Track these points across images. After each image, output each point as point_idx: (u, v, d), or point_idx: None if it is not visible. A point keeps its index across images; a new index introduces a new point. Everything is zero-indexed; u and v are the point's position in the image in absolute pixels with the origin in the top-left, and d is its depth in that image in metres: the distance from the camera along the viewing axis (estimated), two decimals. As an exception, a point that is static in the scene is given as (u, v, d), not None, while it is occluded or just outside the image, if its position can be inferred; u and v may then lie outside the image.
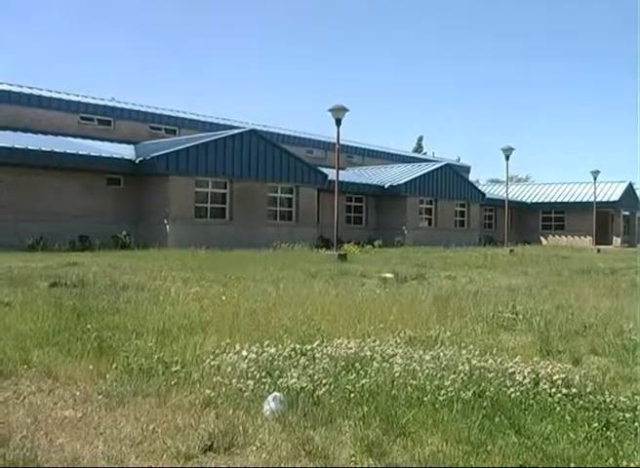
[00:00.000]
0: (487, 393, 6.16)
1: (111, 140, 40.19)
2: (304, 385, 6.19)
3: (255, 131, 38.79)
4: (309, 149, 53.82)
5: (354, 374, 6.59)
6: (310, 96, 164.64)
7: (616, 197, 63.14)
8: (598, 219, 57.15)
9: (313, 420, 5.51)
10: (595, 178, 55.27)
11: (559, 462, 4.84)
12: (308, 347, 7.65)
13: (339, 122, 29.64)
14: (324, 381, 6.30)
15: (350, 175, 48.18)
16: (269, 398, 5.80)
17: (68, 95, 42.24)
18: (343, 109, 29.78)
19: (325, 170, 40.24)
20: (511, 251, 36.79)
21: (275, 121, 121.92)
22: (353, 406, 5.81)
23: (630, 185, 67.57)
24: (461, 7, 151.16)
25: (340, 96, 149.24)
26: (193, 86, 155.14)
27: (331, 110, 29.80)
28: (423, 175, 49.10)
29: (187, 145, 34.37)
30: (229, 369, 6.73)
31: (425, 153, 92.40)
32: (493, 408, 5.86)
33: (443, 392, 6.08)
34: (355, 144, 59.30)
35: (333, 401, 5.89)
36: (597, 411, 5.92)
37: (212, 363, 6.97)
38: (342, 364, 7.01)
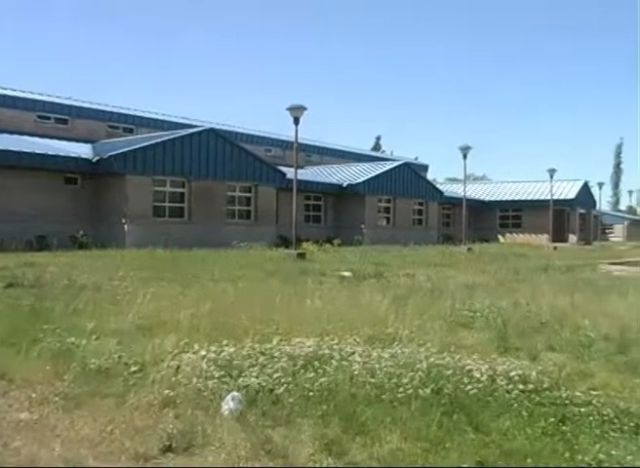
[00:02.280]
0: (445, 390, 6.22)
1: (69, 139, 39.62)
2: (263, 384, 6.19)
3: (213, 130, 38.56)
4: (268, 148, 53.59)
5: (313, 373, 6.61)
6: (269, 94, 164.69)
7: (572, 195, 63.80)
8: (555, 217, 57.71)
9: (272, 419, 5.52)
10: (552, 177, 55.84)
11: (516, 458, 4.91)
12: (267, 346, 7.64)
13: (297, 121, 29.61)
14: (283, 380, 6.31)
15: (309, 173, 48.08)
16: (228, 397, 5.79)
17: (24, 92, 41.63)
18: (302, 108, 29.75)
19: (284, 168, 40.11)
20: (469, 249, 37.01)
21: (234, 120, 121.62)
22: (312, 404, 5.83)
23: (586, 184, 68.36)
24: (420, 7, 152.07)
25: (298, 94, 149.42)
26: (153, 85, 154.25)
27: (289, 109, 29.76)
28: (382, 173, 49.17)
29: (145, 144, 34.04)
30: (188, 368, 6.70)
31: (384, 152, 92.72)
32: (451, 405, 5.92)
33: (401, 390, 6.13)
34: (314, 143, 59.16)
35: (292, 400, 5.91)
36: (553, 407, 6.03)
37: (171, 363, 6.92)
38: (301, 362, 7.00)
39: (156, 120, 48.08)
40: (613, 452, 4.98)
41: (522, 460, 4.87)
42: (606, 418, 5.75)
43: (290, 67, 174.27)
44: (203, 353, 7.16)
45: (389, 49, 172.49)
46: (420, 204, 53.34)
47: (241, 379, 6.35)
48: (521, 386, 6.46)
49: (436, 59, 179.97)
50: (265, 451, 4.90)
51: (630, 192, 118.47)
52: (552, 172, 55.35)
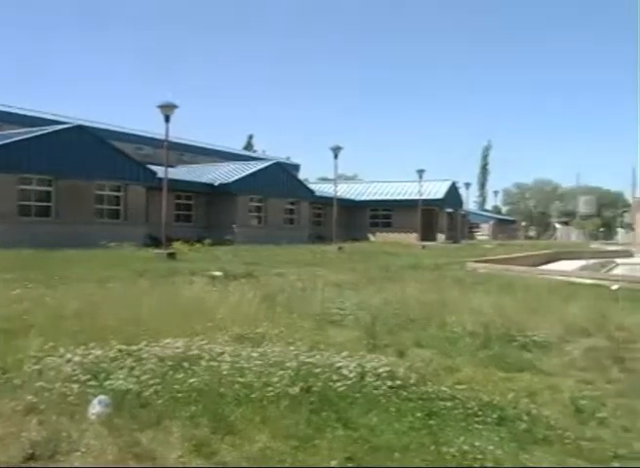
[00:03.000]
0: (314, 388, 6.27)
1: None
2: (131, 387, 6.09)
3: (81, 127, 37.71)
4: (139, 146, 52.59)
5: (182, 374, 6.56)
6: (141, 92, 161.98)
7: (440, 195, 65.40)
8: (423, 217, 59.08)
9: (141, 422, 5.43)
10: (421, 177, 57.18)
11: (384, 452, 4.99)
12: (135, 348, 7.53)
13: (167, 119, 29.32)
14: (151, 382, 6.22)
15: (180, 172, 47.61)
16: (95, 401, 5.66)
17: None
18: (173, 106, 29.47)
19: (155, 167, 39.49)
20: (340, 248, 37.39)
21: (104, 117, 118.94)
22: (181, 405, 5.77)
23: (453, 184, 70.22)
24: (291, 10, 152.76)
25: (170, 92, 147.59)
26: (20, 79, 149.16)
27: (160, 107, 29.42)
28: (253, 173, 49.17)
29: (9, 141, 32.99)
30: (53, 373, 6.52)
31: (256, 151, 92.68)
32: (320, 402, 5.96)
33: (271, 388, 6.14)
34: (186, 142, 58.57)
35: (160, 401, 5.83)
36: (420, 402, 6.16)
37: (34, 367, 6.73)
38: (170, 363, 6.94)
39: (23, 116, 46.56)
40: (476, 443, 5.13)
41: (390, 455, 4.95)
42: (470, 411, 5.92)
43: (165, 64, 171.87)
44: (69, 356, 7.00)
45: (261, 46, 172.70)
46: (292, 203, 53.57)
47: (108, 382, 6.23)
48: (389, 382, 6.57)
49: (307, 58, 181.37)
50: (133, 455, 4.82)
51: (496, 192, 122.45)
52: (421, 172, 56.75)
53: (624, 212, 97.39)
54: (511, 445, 5.26)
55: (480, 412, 5.89)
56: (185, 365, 6.88)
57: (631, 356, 8.92)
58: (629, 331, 10.77)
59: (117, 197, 38.56)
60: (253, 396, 6.01)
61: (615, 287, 18.77)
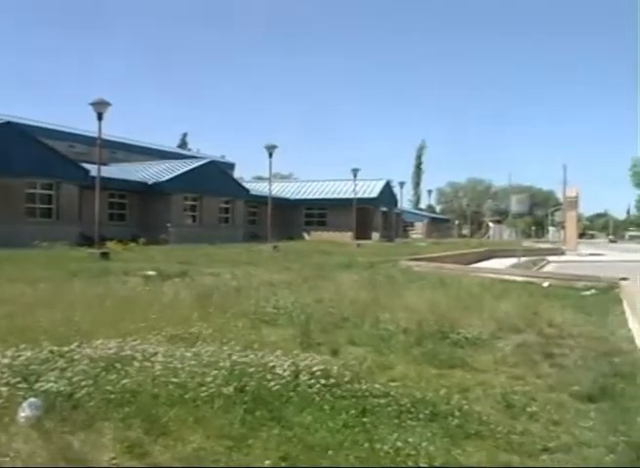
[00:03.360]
0: (248, 388, 6.25)
1: None
2: (63, 389, 5.99)
3: (10, 123, 37.02)
4: (71, 144, 51.76)
5: (115, 375, 6.47)
6: (75, 88, 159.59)
7: (374, 194, 65.92)
8: (358, 215, 59.42)
9: (72, 425, 5.35)
10: (355, 176, 57.48)
11: (318, 451, 5.00)
12: (67, 349, 7.41)
13: (100, 116, 28.98)
14: (83, 383, 6.13)
15: (114, 170, 47.02)
16: (25, 404, 5.56)
17: None
18: (105, 103, 29.17)
19: (88, 165, 38.96)
20: (275, 246, 37.36)
21: (36, 114, 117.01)
22: (114, 407, 5.71)
23: (388, 183, 70.80)
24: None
25: (104, 91, 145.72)
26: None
27: (92, 104, 29.08)
28: (188, 171, 48.92)
29: None
30: (-20, 376, 6.39)
31: (190, 150, 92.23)
32: (254, 402, 5.95)
33: (205, 389, 6.11)
34: (119, 140, 57.94)
35: (93, 403, 5.75)
36: (354, 399, 6.19)
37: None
38: (103, 365, 6.84)
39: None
40: (409, 440, 5.17)
41: (324, 453, 4.97)
42: (404, 408, 5.97)
43: (91, 61, 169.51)
44: (-3, 358, 6.86)
45: (195, 42, 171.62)
46: (227, 202, 53.45)
47: (39, 384, 6.11)
48: (323, 381, 6.59)
49: (242, 55, 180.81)
50: (64, 458, 4.75)
51: (430, 191, 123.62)
52: (356, 171, 57.07)
53: (556, 210, 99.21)
54: (444, 440, 5.32)
55: (413, 409, 5.95)
56: (118, 366, 6.80)
57: (561, 351, 9.10)
58: (559, 327, 10.99)
59: (49, 196, 38.00)
60: (186, 396, 5.97)
61: (546, 284, 19.14)
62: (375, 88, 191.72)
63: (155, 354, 7.33)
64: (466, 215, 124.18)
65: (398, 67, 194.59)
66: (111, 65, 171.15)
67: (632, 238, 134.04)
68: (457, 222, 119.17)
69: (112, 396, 5.92)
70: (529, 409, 6.25)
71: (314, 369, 6.95)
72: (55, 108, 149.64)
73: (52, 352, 7.27)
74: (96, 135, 30.14)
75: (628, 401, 6.60)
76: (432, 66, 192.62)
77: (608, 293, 16.95)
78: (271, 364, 7.03)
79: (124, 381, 6.25)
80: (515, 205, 34.88)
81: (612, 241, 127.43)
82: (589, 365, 8.26)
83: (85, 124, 55.81)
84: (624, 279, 18.28)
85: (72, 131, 54.11)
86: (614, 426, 5.81)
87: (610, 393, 6.91)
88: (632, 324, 11.22)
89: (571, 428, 5.82)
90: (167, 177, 47.17)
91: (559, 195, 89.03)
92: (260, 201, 56.51)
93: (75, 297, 11.56)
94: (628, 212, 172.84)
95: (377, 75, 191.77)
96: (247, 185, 61.30)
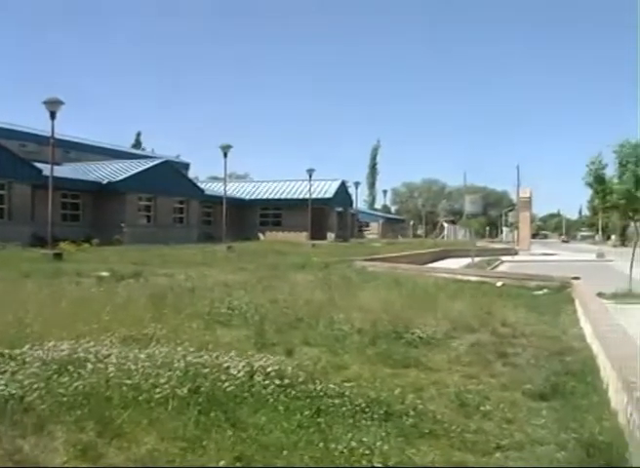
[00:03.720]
0: (202, 389, 6.23)
1: None
2: (14, 392, 5.91)
3: (-44, 121, 36.52)
4: (23, 143, 50.95)
5: (67, 377, 6.40)
6: (27, 88, 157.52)
7: (330, 194, 65.94)
8: (313, 216, 59.38)
9: (23, 429, 5.28)
10: (310, 176, 57.50)
11: (273, 451, 5.01)
12: (18, 351, 7.32)
13: (53, 115, 28.69)
14: (35, 386, 6.05)
15: (67, 170, 46.43)
16: (-27, 408, 5.48)
17: None
18: (59, 102, 28.89)
19: (40, 165, 38.46)
20: (229, 247, 37.20)
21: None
22: (66, 410, 5.65)
23: (343, 183, 70.92)
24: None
25: (54, 89, 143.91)
26: None
27: (45, 102, 28.76)
28: (142, 171, 48.51)
29: None
30: None
31: (145, 149, 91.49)
32: (209, 403, 5.94)
33: (159, 390, 6.07)
34: (73, 139, 57.24)
35: (44, 406, 5.68)
36: (309, 400, 6.20)
37: None
38: (55, 367, 6.76)
39: None
40: (364, 439, 5.20)
41: (278, 453, 4.98)
42: (358, 408, 6.01)
43: (47, 61, 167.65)
44: (-55, 362, 6.75)
45: (149, 43, 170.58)
46: (181, 202, 53.13)
47: (-12, 388, 6.03)
48: (278, 381, 6.59)
49: (197, 57, 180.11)
50: (14, 463, 4.69)
51: (385, 192, 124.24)
52: (311, 171, 57.06)
53: (509, 210, 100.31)
54: (398, 440, 5.36)
55: (367, 409, 5.98)
56: (71, 368, 6.72)
57: (514, 351, 9.21)
58: (512, 326, 11.12)
59: (0, 196, 37.45)
60: (140, 398, 5.93)
61: (499, 283, 19.34)
62: (331, 87, 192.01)
63: (109, 356, 7.26)
64: (421, 216, 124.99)
65: (353, 66, 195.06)
66: (64, 65, 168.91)
67: (584, 238, 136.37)
68: (412, 223, 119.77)
69: (65, 399, 5.86)
70: (482, 408, 6.32)
71: (269, 369, 6.95)
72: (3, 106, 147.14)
73: (2, 355, 7.19)
74: (48, 134, 29.80)
75: (579, 399, 6.70)
76: (387, 67, 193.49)
77: (560, 293, 17.20)
78: (226, 364, 7.02)
79: (77, 383, 6.19)
80: (469, 205, 35.23)
81: (564, 241, 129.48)
82: (542, 363, 8.38)
83: (36, 123, 54.98)
84: (576, 278, 18.55)
85: (24, 129, 53.31)
86: (565, 424, 5.90)
87: (561, 391, 7.02)
88: (584, 323, 11.37)
89: (523, 426, 5.90)
90: (121, 177, 46.71)
91: (513, 196, 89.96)
92: (215, 201, 56.28)
93: (27, 299, 11.41)
94: (580, 212, 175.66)
95: (332, 75, 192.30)
96: (202, 185, 61.02)
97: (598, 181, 18.59)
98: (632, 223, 23.04)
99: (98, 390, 6.10)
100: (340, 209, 70.09)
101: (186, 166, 72.31)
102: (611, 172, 18.69)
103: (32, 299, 11.34)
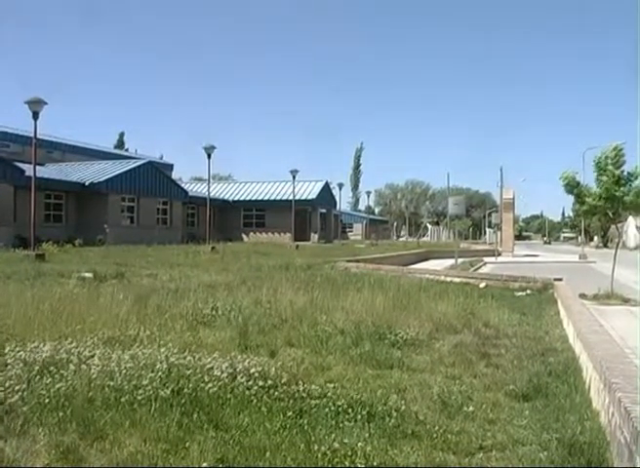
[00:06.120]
0: (185, 390, 6.23)
1: None
2: (-5, 394, 5.90)
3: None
4: (5, 143, 50.77)
5: (50, 379, 6.39)
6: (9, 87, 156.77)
7: (313, 195, 66.00)
8: (297, 217, 59.42)
9: (5, 431, 5.27)
10: (294, 177, 57.47)
11: (255, 452, 5.01)
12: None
13: (36, 115, 28.53)
14: (17, 388, 6.04)
15: (50, 171, 46.26)
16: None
17: None
18: (41, 102, 28.73)
19: (22, 165, 38.29)
20: (213, 248, 37.13)
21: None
22: (48, 411, 5.64)
23: (327, 184, 70.98)
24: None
25: (39, 89, 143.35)
26: None
27: (28, 102, 28.62)
28: (125, 172, 48.37)
29: None
30: None
31: (128, 150, 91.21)
32: (191, 404, 5.94)
33: (141, 391, 6.07)
34: (55, 139, 57.05)
35: (26, 408, 5.67)
36: (292, 401, 6.21)
37: None
38: (37, 368, 6.74)
39: None
40: (347, 440, 5.21)
41: (261, 454, 4.98)
42: (341, 409, 6.01)
43: (28, 60, 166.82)
44: None
45: (132, 42, 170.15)
46: (165, 203, 52.99)
47: (-30, 391, 6.00)
48: (261, 382, 6.59)
49: (182, 57, 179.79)
50: (-5, 465, 4.68)
51: (368, 193, 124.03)
52: (294, 172, 57.02)
53: (492, 212, 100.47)
54: (381, 440, 5.37)
55: (350, 410, 5.98)
56: (53, 369, 6.70)
57: (497, 351, 9.23)
58: (495, 327, 11.15)
59: (-18, 197, 37.28)
60: (123, 399, 5.92)
61: (482, 285, 19.39)
62: (314, 90, 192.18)
63: (91, 357, 7.24)
64: (405, 217, 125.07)
65: (338, 68, 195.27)
66: (46, 65, 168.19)
67: (566, 239, 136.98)
68: (395, 224, 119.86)
69: (47, 400, 5.85)
70: (465, 409, 6.33)
71: (252, 370, 6.95)
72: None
73: (-17, 357, 7.15)
74: (30, 134, 29.64)
75: (561, 399, 6.73)
76: (369, 64, 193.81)
77: (543, 294, 17.29)
78: (209, 365, 7.01)
79: (59, 385, 6.17)
80: (452, 207, 35.17)
81: (546, 242, 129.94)
82: (524, 364, 8.40)
83: (19, 123, 54.78)
84: (559, 279, 18.63)
85: (6, 129, 53.05)
86: (547, 424, 5.93)
87: (544, 392, 7.05)
88: (566, 324, 11.42)
89: (506, 427, 5.91)
90: (104, 178, 46.53)
91: (496, 197, 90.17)
92: (199, 202, 56.22)
93: (9, 300, 11.34)
94: (563, 213, 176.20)
95: (316, 75, 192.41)
96: (185, 186, 60.94)
97: (572, 188, 18.56)
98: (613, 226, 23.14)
99: (80, 392, 6.09)
100: (323, 210, 70.13)
101: (170, 167, 72.14)
102: (590, 179, 18.76)
103: (14, 300, 11.28)
